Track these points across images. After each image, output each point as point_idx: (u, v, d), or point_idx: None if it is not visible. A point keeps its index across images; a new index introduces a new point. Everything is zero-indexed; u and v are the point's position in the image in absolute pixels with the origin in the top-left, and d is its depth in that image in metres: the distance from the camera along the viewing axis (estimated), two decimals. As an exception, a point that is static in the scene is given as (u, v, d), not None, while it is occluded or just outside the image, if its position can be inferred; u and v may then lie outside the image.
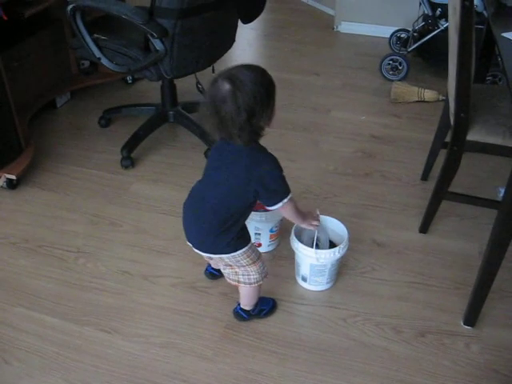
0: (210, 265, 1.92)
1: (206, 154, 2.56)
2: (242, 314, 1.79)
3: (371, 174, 2.46)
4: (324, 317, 1.81)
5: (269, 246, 2.03)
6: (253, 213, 1.92)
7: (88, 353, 1.71)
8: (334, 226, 1.91)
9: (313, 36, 3.94)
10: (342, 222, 1.90)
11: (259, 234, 1.97)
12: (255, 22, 2.64)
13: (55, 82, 3.05)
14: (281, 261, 2.01)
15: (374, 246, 2.07)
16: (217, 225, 1.54)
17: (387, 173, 2.46)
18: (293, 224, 1.87)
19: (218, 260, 1.67)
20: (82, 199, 2.35)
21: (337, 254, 1.78)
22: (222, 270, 1.73)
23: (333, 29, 4.01)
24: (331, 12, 4.16)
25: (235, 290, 1.87)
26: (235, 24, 2.51)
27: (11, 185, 2.41)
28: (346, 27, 3.96)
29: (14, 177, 2.39)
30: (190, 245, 1.65)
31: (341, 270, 1.93)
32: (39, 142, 2.72)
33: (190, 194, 1.63)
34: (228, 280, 1.72)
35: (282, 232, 2.05)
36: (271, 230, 1.97)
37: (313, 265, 1.80)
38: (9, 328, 1.79)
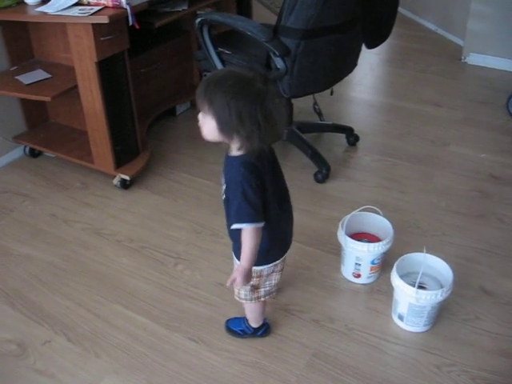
0: None
1: (315, 176, 2.53)
2: None
3: (486, 216, 2.31)
4: (417, 360, 1.71)
5: (368, 277, 1.96)
6: (355, 242, 1.87)
7: (173, 359, 1.73)
8: (439, 267, 1.81)
9: (438, 65, 3.81)
10: (448, 264, 1.80)
11: (359, 264, 1.91)
12: (379, 46, 2.59)
13: (177, 90, 3.16)
14: (378, 295, 1.94)
15: (480, 294, 1.94)
16: None
17: (504, 217, 2.30)
18: (397, 258, 1.80)
19: None
20: (188, 207, 2.40)
21: (439, 296, 1.68)
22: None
23: (460, 60, 3.86)
24: (460, 42, 4.00)
25: (328, 318, 1.84)
26: (359, 48, 2.47)
27: (124, 185, 2.51)
28: (474, 59, 3.79)
29: (127, 177, 2.49)
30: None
31: (441, 313, 1.82)
32: (155, 146, 2.82)
33: (279, 210, 1.55)
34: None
35: (384, 266, 1.97)
36: (372, 262, 1.91)
37: (412, 304, 1.71)
38: (104, 323, 1.86)
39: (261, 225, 1.40)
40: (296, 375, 1.67)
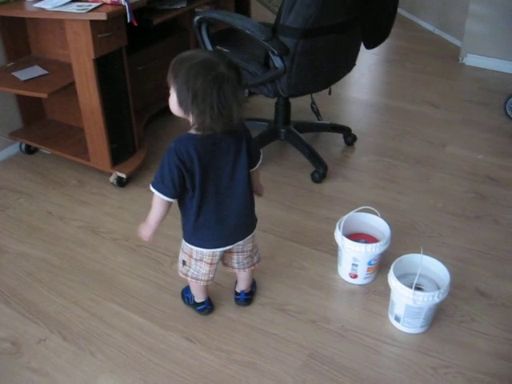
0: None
1: (312, 175, 2.52)
2: (249, 299, 1.90)
3: (483, 218, 2.31)
4: (413, 362, 1.71)
5: (365, 278, 1.96)
6: (352, 243, 1.87)
7: (169, 358, 1.72)
8: (436, 268, 1.81)
9: (436, 66, 3.81)
10: (445, 265, 1.80)
11: (356, 265, 1.91)
12: (377, 46, 2.58)
13: (174, 88, 3.14)
14: (375, 296, 1.93)
15: (476, 295, 1.94)
16: (252, 201, 1.64)
17: (501, 218, 2.30)
18: (394, 259, 1.80)
19: (248, 248, 1.72)
20: (184, 205, 2.39)
21: (436, 298, 1.68)
22: (242, 260, 1.75)
23: (458, 60, 3.86)
24: (458, 43, 4.00)
25: (324, 318, 1.84)
26: (357, 48, 2.47)
27: (120, 182, 2.50)
28: (472, 60, 3.79)
29: (124, 175, 2.48)
30: (228, 247, 1.66)
31: (438, 315, 1.82)
32: (152, 144, 2.81)
33: (211, 210, 1.57)
34: (244, 271, 1.80)
35: (381, 266, 1.97)
36: (369, 263, 1.90)
37: (409, 306, 1.71)
38: (99, 321, 1.85)
39: (166, 198, 1.50)
40: (292, 376, 1.66)
